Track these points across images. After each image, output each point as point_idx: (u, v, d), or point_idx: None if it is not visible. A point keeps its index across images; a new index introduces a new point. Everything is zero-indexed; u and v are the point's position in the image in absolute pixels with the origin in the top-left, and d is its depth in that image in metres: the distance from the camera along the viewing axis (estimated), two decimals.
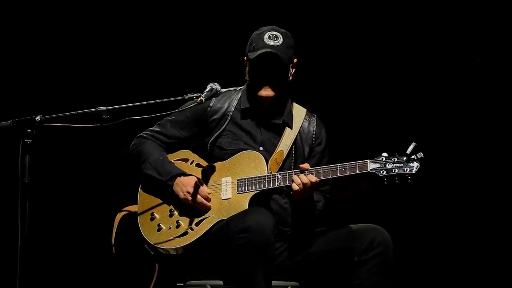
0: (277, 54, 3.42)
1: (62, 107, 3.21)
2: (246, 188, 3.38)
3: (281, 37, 3.46)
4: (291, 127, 3.56)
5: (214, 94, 3.37)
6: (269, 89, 3.47)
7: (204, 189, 3.41)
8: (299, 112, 3.61)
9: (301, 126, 3.58)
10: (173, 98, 3.28)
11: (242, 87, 3.61)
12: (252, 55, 3.44)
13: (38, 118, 3.00)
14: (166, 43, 4.97)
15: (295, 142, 3.55)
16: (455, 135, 4.86)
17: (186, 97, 3.30)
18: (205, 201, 3.40)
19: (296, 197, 3.35)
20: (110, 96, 4.30)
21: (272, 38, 3.45)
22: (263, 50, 3.42)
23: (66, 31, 4.94)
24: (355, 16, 4.92)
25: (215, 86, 3.38)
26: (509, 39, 4.81)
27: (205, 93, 3.33)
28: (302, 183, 3.29)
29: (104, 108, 3.10)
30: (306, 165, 3.34)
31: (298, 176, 3.32)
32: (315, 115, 3.65)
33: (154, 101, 3.22)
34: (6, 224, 3.77)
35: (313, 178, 3.30)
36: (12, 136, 3.00)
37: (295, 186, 3.31)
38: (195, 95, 3.31)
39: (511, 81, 4.83)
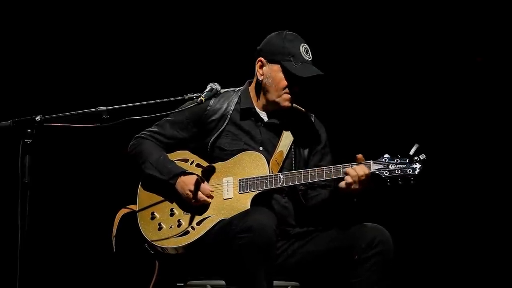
0: (324, 76, 3.43)
1: (62, 107, 3.21)
2: (248, 188, 3.38)
3: (309, 50, 3.50)
4: (290, 128, 3.56)
5: (214, 94, 3.37)
6: (291, 101, 3.50)
7: (206, 187, 3.41)
8: (297, 112, 3.61)
9: (299, 126, 3.58)
10: (173, 98, 3.28)
11: (240, 87, 3.61)
12: (301, 73, 3.41)
13: (38, 118, 3.00)
14: (166, 43, 4.97)
15: (294, 142, 3.55)
16: (457, 135, 4.86)
17: (186, 97, 3.31)
18: (207, 199, 3.40)
19: (349, 190, 3.29)
20: (110, 96, 4.30)
21: (307, 52, 3.48)
22: (315, 72, 3.43)
23: (66, 31, 4.94)
24: (357, 17, 4.92)
25: (215, 86, 3.38)
26: (509, 39, 4.81)
27: (205, 93, 3.33)
28: (358, 175, 3.25)
29: (104, 108, 3.10)
30: (360, 156, 3.31)
31: (354, 168, 3.27)
32: (313, 115, 3.65)
33: (154, 101, 3.22)
34: (6, 224, 3.76)
35: (366, 170, 3.26)
36: (12, 136, 3.00)
37: (349, 179, 3.25)
38: (195, 95, 3.31)
39: (511, 81, 4.84)
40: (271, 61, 3.49)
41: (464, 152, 4.86)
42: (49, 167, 4.73)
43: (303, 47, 3.47)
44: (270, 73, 3.49)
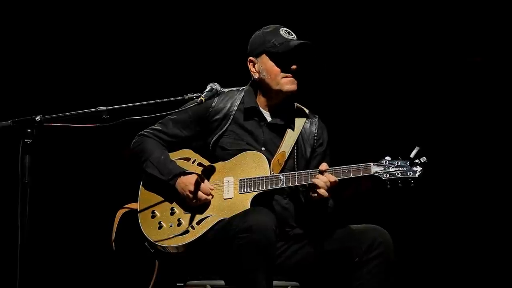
0: (311, 44, 3.44)
1: (62, 107, 3.21)
2: (249, 188, 3.38)
3: (292, 32, 3.50)
4: (293, 128, 3.56)
5: (214, 94, 3.37)
6: (295, 83, 3.49)
7: (206, 185, 3.41)
8: (301, 113, 3.61)
9: (303, 127, 3.58)
10: (173, 98, 3.28)
11: (244, 87, 3.61)
12: (284, 48, 3.42)
13: (38, 118, 3.00)
14: (166, 43, 4.97)
15: (297, 143, 3.55)
16: (458, 138, 4.86)
17: (186, 97, 3.30)
18: (208, 197, 3.40)
19: (317, 197, 3.33)
20: (110, 96, 4.30)
21: (288, 33, 3.49)
22: (297, 42, 3.44)
23: (66, 31, 4.94)
24: (359, 16, 4.92)
25: (215, 86, 3.38)
26: (509, 39, 4.81)
27: (205, 93, 3.33)
28: (324, 183, 3.29)
29: (104, 108, 3.10)
30: (325, 165, 3.34)
31: (318, 178, 3.30)
32: (317, 116, 3.65)
33: (154, 101, 3.22)
34: (6, 224, 3.77)
35: (332, 178, 3.30)
36: (12, 136, 3.00)
37: (322, 191, 3.28)
38: (195, 95, 3.31)
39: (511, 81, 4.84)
40: (258, 54, 3.50)
41: (465, 154, 4.86)
42: (49, 167, 4.73)
43: (283, 30, 3.49)
44: (262, 65, 3.50)
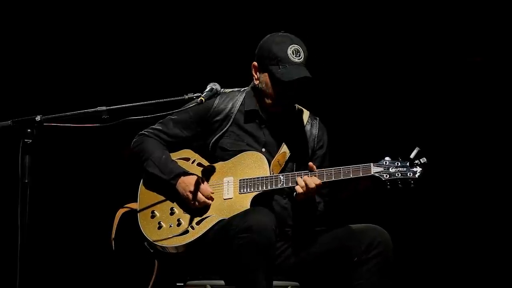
0: (311, 78, 3.38)
1: (62, 107, 3.21)
2: (248, 188, 3.38)
3: (301, 51, 3.41)
4: (293, 130, 3.55)
5: (214, 94, 3.37)
6: (285, 107, 3.50)
7: (206, 188, 3.41)
8: (302, 115, 3.61)
9: (303, 129, 3.58)
10: (173, 98, 3.28)
11: (246, 88, 3.60)
12: (284, 77, 3.36)
13: (38, 118, 3.00)
14: (166, 43, 4.97)
15: (297, 145, 3.54)
16: (458, 139, 4.86)
17: (186, 97, 3.30)
18: (207, 201, 3.40)
19: (299, 198, 3.35)
20: (110, 96, 4.30)
21: (296, 53, 3.39)
22: (298, 75, 3.36)
23: (66, 31, 4.94)
24: (358, 16, 4.92)
25: (215, 86, 3.38)
26: (509, 39, 4.81)
27: (205, 93, 3.33)
28: (306, 185, 3.30)
29: (104, 108, 3.10)
30: (313, 165, 3.35)
31: (301, 178, 3.32)
32: (318, 118, 3.64)
33: (154, 101, 3.22)
34: (6, 224, 3.77)
35: (317, 181, 3.30)
36: (12, 136, 3.00)
37: (299, 189, 3.31)
38: (195, 95, 3.31)
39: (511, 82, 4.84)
40: (261, 66, 3.48)
41: (465, 155, 4.86)
42: (49, 167, 4.73)
43: (291, 49, 3.40)
44: (262, 78, 3.48)
